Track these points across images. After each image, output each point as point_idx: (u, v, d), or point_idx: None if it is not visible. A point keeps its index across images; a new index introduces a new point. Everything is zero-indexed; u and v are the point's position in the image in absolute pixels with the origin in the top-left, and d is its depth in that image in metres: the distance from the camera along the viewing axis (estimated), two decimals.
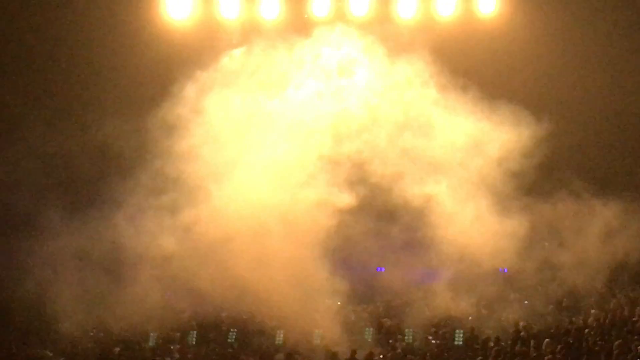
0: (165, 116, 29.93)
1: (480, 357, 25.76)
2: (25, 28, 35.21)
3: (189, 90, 30.22)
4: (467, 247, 30.22)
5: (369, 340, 28.93)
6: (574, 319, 28.86)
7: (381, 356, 27.76)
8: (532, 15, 33.67)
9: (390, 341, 29.13)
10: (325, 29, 31.51)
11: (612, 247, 30.77)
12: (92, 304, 30.19)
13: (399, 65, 30.83)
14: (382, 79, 31.06)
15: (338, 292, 29.88)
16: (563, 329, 27.35)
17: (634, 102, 35.78)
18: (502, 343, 26.71)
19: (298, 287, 29.06)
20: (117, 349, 28.29)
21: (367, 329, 29.62)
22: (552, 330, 27.41)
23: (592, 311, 29.16)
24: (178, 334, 29.99)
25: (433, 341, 28.94)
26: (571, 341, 25.84)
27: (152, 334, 28.79)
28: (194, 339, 29.15)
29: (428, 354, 27.66)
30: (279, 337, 28.87)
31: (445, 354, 28.03)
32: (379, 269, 34.66)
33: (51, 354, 27.85)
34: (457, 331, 28.60)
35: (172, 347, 29.16)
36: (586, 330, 26.95)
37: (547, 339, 26.12)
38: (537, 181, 31.43)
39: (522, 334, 27.39)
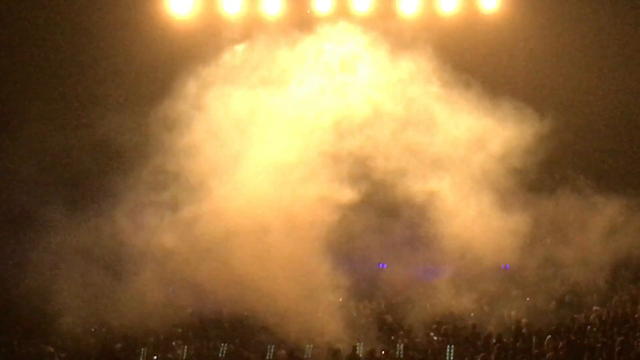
0: (166, 112, 29.84)
1: (482, 354, 25.71)
2: (26, 24, 35.24)
3: (191, 86, 30.11)
4: (469, 243, 30.16)
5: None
6: (576, 316, 28.78)
7: (383, 352, 27.67)
8: (534, 12, 33.69)
9: (392, 338, 29.09)
10: (327, 24, 31.44)
11: (615, 244, 30.74)
12: (94, 300, 30.18)
13: (402, 61, 30.72)
14: (385, 75, 30.95)
15: (340, 288, 29.79)
16: (565, 326, 27.29)
17: (637, 98, 35.75)
18: (504, 340, 26.67)
19: (299, 283, 28.98)
20: (118, 345, 28.24)
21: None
22: (554, 327, 27.31)
23: (594, 308, 29.06)
24: (180, 330, 29.96)
25: (435, 338, 28.85)
26: (573, 338, 25.78)
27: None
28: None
29: (430, 351, 27.60)
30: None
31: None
32: (381, 265, 34.62)
33: (52, 350, 27.77)
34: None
35: (174, 344, 29.10)
36: (588, 327, 26.94)
37: (549, 336, 26.09)
38: (540, 178, 31.41)
39: (524, 330, 27.35)
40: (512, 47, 34.38)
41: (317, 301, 29.32)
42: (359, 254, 33.08)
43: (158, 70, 32.68)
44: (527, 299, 30.94)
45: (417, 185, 30.24)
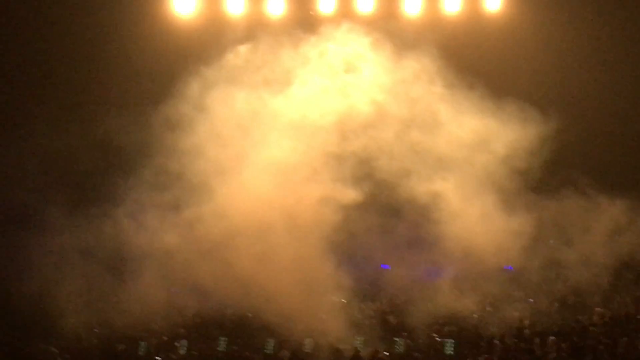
0: (169, 112, 29.91)
1: (485, 355, 25.70)
2: (29, 23, 35.24)
3: (194, 86, 30.13)
4: (472, 244, 30.10)
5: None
6: (578, 317, 28.79)
7: (385, 353, 27.68)
8: (538, 12, 33.61)
9: (395, 339, 29.09)
10: (331, 25, 31.43)
11: (618, 245, 30.70)
12: (96, 301, 30.24)
13: (405, 61, 30.69)
14: (388, 75, 30.92)
15: (342, 288, 29.80)
16: (568, 327, 27.31)
17: None
18: (507, 341, 26.66)
19: (302, 284, 29.00)
20: (121, 346, 28.28)
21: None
22: (556, 329, 27.34)
23: (597, 309, 29.09)
24: (183, 330, 29.99)
25: (437, 339, 28.84)
26: (576, 339, 25.80)
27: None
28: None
29: (432, 352, 27.60)
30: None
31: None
32: (383, 266, 34.59)
33: (55, 350, 27.82)
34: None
35: (176, 345, 29.14)
36: (591, 329, 26.92)
37: (551, 337, 26.10)
38: (543, 179, 31.33)
39: (526, 331, 27.35)
40: (515, 48, 34.28)
41: (320, 301, 29.32)
42: (361, 254, 33.09)
43: (161, 71, 32.63)
44: (530, 300, 30.95)
45: (420, 186, 30.20)
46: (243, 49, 31.35)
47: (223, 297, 30.05)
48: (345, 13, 33.43)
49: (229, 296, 29.77)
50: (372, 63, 31.16)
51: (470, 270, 30.71)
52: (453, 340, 27.53)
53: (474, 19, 33.57)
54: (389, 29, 31.33)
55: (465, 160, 30.77)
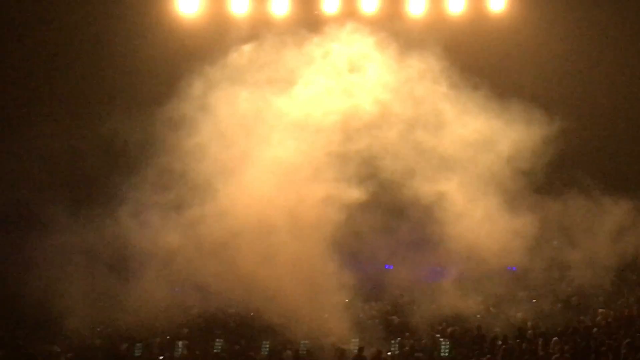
0: (173, 112, 29.90)
1: (488, 356, 25.65)
2: (33, 22, 35.27)
3: (197, 86, 30.10)
4: (476, 245, 30.06)
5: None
6: (582, 318, 28.75)
7: (389, 354, 27.64)
8: (542, 12, 33.63)
9: (399, 339, 29.04)
10: (335, 25, 31.41)
11: (621, 246, 30.67)
12: (100, 300, 30.23)
13: (409, 61, 30.68)
14: (392, 75, 30.90)
15: (346, 288, 29.76)
16: (571, 328, 27.25)
17: None
18: (510, 342, 26.61)
19: (305, 284, 28.97)
20: (124, 346, 28.26)
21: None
22: (560, 329, 27.28)
23: (600, 310, 29.03)
24: (186, 330, 29.97)
25: (441, 339, 28.79)
26: (579, 340, 25.75)
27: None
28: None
29: (436, 352, 27.55)
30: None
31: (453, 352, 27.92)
32: (387, 266, 34.57)
33: (59, 350, 27.81)
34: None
35: (179, 344, 29.09)
36: (594, 329, 26.87)
37: (555, 338, 26.03)
38: (548, 179, 31.31)
39: (530, 332, 27.31)
40: (519, 48, 34.31)
41: (323, 301, 29.29)
42: (365, 254, 33.07)
43: (165, 70, 32.69)
44: (534, 300, 30.91)
45: (424, 186, 30.18)
46: (247, 48, 31.34)
47: (226, 297, 30.04)
48: (349, 13, 33.46)
49: (232, 296, 29.78)
50: (376, 63, 31.14)
51: (473, 270, 30.70)
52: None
53: (477, 19, 33.59)
54: (393, 29, 31.32)
55: (470, 161, 30.75)
